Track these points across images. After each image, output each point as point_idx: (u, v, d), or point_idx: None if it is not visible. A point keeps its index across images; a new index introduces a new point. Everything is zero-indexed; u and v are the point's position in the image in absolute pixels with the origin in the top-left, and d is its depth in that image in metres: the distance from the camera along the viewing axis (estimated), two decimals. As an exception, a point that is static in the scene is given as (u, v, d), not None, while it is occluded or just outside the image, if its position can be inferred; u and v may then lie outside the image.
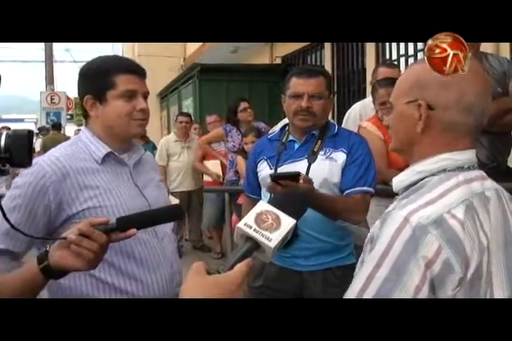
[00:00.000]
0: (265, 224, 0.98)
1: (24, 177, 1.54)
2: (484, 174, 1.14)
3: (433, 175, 1.10)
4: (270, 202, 1.05)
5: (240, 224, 0.99)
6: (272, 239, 0.97)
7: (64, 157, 1.59)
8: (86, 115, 1.70)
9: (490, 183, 1.13)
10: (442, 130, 1.11)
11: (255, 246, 0.98)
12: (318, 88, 2.12)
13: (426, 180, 1.10)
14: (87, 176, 1.58)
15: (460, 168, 1.10)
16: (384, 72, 3.63)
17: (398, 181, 1.17)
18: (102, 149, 1.64)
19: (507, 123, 2.69)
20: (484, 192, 1.08)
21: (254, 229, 0.97)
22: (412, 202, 1.03)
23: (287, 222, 1.00)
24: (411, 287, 0.96)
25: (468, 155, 1.12)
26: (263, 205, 1.02)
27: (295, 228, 1.05)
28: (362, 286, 1.01)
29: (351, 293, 1.03)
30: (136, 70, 1.65)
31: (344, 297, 1.05)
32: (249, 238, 0.98)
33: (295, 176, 1.85)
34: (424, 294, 0.97)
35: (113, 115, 1.62)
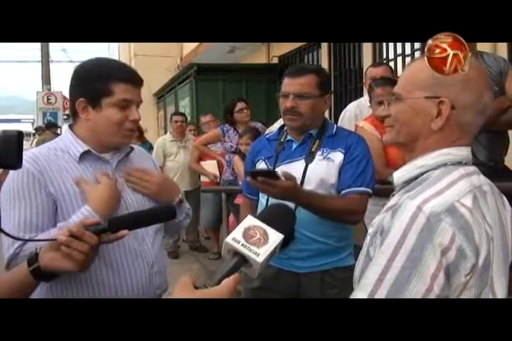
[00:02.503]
0: (253, 239, 0.99)
1: (9, 177, 1.54)
2: (478, 170, 1.17)
3: (434, 169, 1.12)
4: (258, 217, 1.06)
5: (228, 239, 0.99)
6: (260, 254, 0.98)
7: (43, 156, 1.59)
8: (73, 116, 1.69)
9: (484, 178, 1.16)
10: (455, 129, 1.13)
11: (243, 261, 0.99)
12: (304, 87, 2.09)
13: (428, 173, 1.12)
14: (61, 174, 1.57)
15: (459, 163, 1.13)
16: (372, 71, 3.66)
17: (399, 175, 1.19)
18: (79, 147, 1.63)
19: (507, 122, 2.69)
20: (482, 186, 1.11)
21: (242, 244, 0.98)
22: (421, 193, 1.05)
23: (275, 237, 1.01)
24: (428, 274, 0.97)
25: (466, 152, 1.15)
26: (251, 220, 1.03)
27: (292, 230, 1.05)
28: (379, 276, 1.01)
29: (367, 283, 1.03)
30: (134, 79, 1.64)
31: (358, 288, 1.05)
32: (236, 253, 0.99)
33: (272, 173, 1.86)
34: (440, 281, 0.98)
35: (104, 122, 1.61)
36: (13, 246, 1.47)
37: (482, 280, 1.03)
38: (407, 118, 1.16)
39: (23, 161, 1.50)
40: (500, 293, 1.09)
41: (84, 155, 1.63)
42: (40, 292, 1.50)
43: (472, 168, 1.15)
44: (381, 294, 1.00)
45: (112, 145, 1.68)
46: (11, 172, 1.53)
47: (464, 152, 1.14)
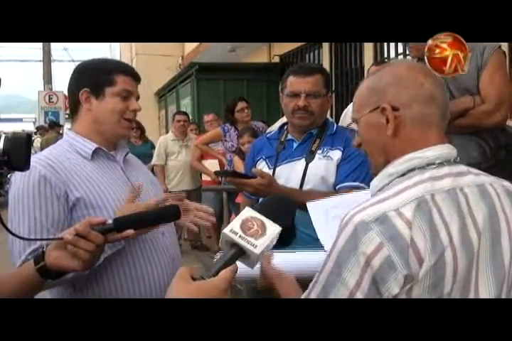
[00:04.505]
0: (251, 230, 0.99)
1: (18, 181, 1.53)
2: (464, 170, 1.11)
3: (403, 175, 1.09)
4: (256, 208, 1.06)
5: (226, 230, 0.99)
6: (258, 246, 0.98)
7: (53, 155, 1.59)
8: (73, 112, 1.71)
9: (470, 179, 1.09)
10: (411, 127, 1.11)
11: (240, 252, 0.99)
12: (315, 86, 2.11)
13: (395, 181, 1.09)
14: (78, 173, 1.58)
15: (431, 165, 1.08)
16: (374, 70, 3.63)
17: (374, 184, 1.16)
18: (89, 145, 1.65)
19: (463, 125, 2.50)
20: (456, 189, 1.05)
21: (240, 236, 0.98)
22: (365, 202, 1.04)
23: (272, 229, 1.01)
24: (350, 282, 0.98)
25: (438, 151, 1.09)
26: (249, 212, 1.03)
27: (293, 228, 1.05)
28: (315, 278, 1.05)
29: (310, 285, 1.07)
30: (133, 74, 1.72)
31: (307, 290, 1.08)
32: (234, 244, 0.99)
33: (236, 173, 2.00)
34: (363, 290, 0.97)
35: (107, 110, 1.65)
36: (25, 252, 1.47)
37: (435, 290, 0.98)
38: (367, 136, 1.18)
39: (35, 164, 1.51)
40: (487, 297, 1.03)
41: (94, 154, 1.65)
42: (68, 288, 1.54)
43: (445, 170, 1.08)
44: (314, 296, 1.03)
45: (113, 137, 1.71)
46: (21, 174, 1.51)
47: (435, 151, 1.09)
